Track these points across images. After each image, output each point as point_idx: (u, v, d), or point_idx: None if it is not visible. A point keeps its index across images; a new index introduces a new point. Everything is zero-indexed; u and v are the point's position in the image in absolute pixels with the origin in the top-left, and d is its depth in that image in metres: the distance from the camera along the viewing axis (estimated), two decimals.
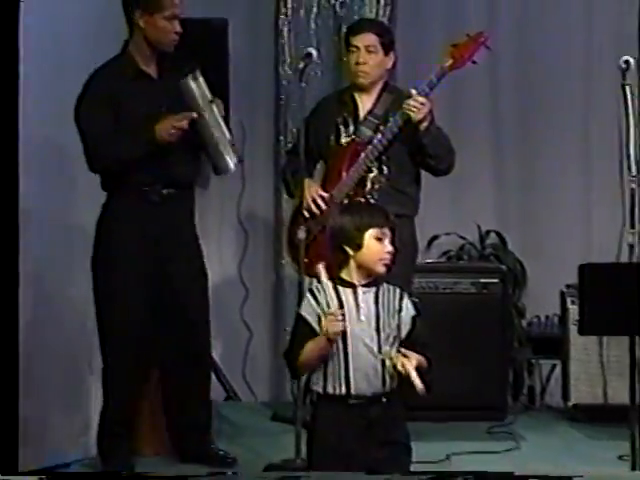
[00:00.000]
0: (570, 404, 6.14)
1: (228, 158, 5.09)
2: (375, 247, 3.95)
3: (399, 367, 3.86)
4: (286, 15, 6.75)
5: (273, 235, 6.70)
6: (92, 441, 5.69)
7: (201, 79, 5.05)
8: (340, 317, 3.88)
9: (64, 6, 5.60)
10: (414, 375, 3.85)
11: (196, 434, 5.27)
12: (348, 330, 3.92)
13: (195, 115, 4.97)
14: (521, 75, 6.75)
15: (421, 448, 5.18)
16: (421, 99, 5.06)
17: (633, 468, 4.74)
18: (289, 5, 6.75)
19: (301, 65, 5.36)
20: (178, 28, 5.07)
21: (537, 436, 5.85)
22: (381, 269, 3.97)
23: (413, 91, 5.09)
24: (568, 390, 6.14)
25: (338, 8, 6.73)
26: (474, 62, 5.13)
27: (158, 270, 5.09)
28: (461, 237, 6.66)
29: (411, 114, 5.06)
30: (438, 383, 5.40)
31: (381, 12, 6.64)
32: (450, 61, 5.11)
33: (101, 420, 5.23)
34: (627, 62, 4.78)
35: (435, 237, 6.59)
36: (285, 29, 6.76)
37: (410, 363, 3.87)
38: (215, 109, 5.06)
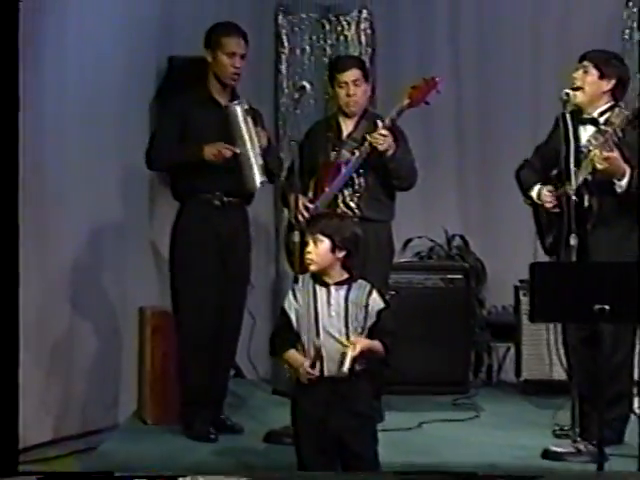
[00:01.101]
0: (522, 380, 6.17)
1: (256, 177, 5.11)
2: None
3: (344, 350, 3.93)
4: (284, 53, 6.77)
5: (273, 239, 6.72)
6: (120, 412, 5.73)
7: (247, 107, 5.11)
8: (312, 374, 3.95)
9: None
10: (347, 359, 3.91)
11: (214, 405, 5.25)
12: (320, 325, 3.98)
13: (238, 151, 5.03)
14: (481, 106, 6.76)
15: (397, 417, 5.28)
16: (383, 132, 5.11)
17: (574, 433, 4.81)
18: (286, 45, 6.77)
19: (296, 96, 5.40)
20: (237, 64, 5.12)
21: (494, 407, 5.87)
22: (310, 269, 4.04)
23: (380, 123, 5.16)
24: (520, 368, 6.17)
25: (328, 48, 6.75)
26: (427, 103, 5.19)
27: (221, 260, 5.13)
28: (431, 240, 6.65)
29: (377, 145, 5.13)
30: (411, 362, 5.50)
31: (363, 52, 6.66)
32: (407, 101, 5.17)
33: (185, 392, 5.18)
34: (567, 94, 4.87)
35: (409, 240, 6.58)
36: (283, 65, 6.77)
37: (352, 348, 3.92)
38: (254, 136, 5.10)
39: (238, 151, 5.05)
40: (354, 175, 5.26)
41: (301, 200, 5.24)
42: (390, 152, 5.15)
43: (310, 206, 5.24)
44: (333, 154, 5.31)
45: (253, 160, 5.10)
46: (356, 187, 5.26)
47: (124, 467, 4.67)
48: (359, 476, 4.03)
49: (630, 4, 6.63)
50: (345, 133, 5.34)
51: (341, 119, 5.37)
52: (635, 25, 6.58)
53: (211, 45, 5.14)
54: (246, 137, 5.09)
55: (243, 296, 5.33)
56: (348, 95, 5.27)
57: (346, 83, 5.27)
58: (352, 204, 5.25)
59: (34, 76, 5.15)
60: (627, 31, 6.61)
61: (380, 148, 5.12)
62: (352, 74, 5.27)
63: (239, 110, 5.09)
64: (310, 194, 5.31)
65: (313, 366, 3.98)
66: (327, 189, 5.27)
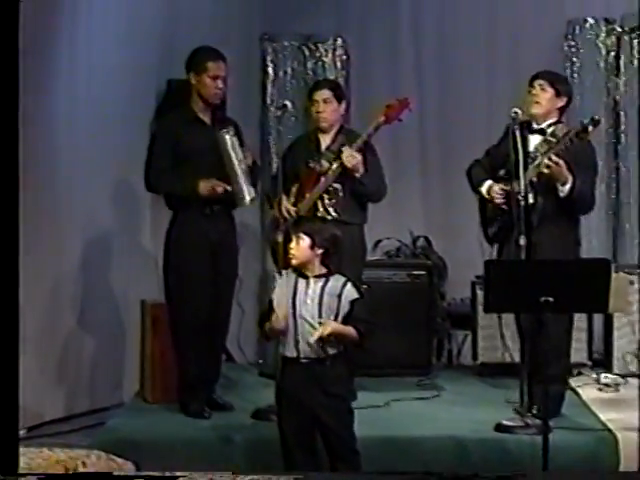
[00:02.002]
0: (478, 363, 6.20)
1: (245, 194, 5.12)
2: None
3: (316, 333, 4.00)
4: (269, 76, 6.79)
5: (260, 238, 6.73)
6: (125, 392, 5.76)
7: (234, 133, 5.11)
8: (282, 321, 4.01)
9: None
10: (315, 335, 3.98)
11: (208, 386, 5.28)
12: (297, 311, 4.05)
13: (230, 188, 5.04)
14: (441, 121, 6.79)
15: (368, 397, 5.31)
16: (348, 152, 5.18)
17: (523, 409, 4.89)
18: (271, 69, 6.80)
19: (279, 113, 5.45)
20: (220, 85, 5.12)
21: (453, 386, 5.87)
22: (291, 263, 4.11)
23: (354, 145, 5.21)
24: (476, 352, 6.19)
25: (307, 71, 6.79)
26: (400, 120, 5.26)
27: (212, 261, 5.15)
28: (398, 240, 6.65)
29: (347, 163, 5.20)
30: (380, 348, 5.54)
31: (339, 75, 6.71)
32: (383, 118, 5.23)
33: (182, 378, 5.21)
34: (516, 112, 4.90)
35: (379, 240, 6.58)
36: (268, 86, 6.78)
37: (318, 331, 3.99)
38: (241, 158, 5.11)
39: (229, 189, 5.07)
40: (332, 183, 5.32)
41: (285, 204, 5.29)
42: (359, 173, 5.21)
43: (292, 210, 5.30)
44: (313, 164, 5.36)
45: (242, 180, 5.11)
46: (334, 194, 5.33)
47: (129, 440, 4.73)
48: (347, 476, 4.07)
49: (569, 36, 6.74)
50: (324, 145, 5.39)
51: (319, 134, 5.42)
52: (572, 53, 6.70)
53: (196, 69, 5.13)
54: (235, 161, 5.11)
55: (232, 291, 5.36)
56: (318, 112, 5.33)
57: (317, 101, 5.32)
58: (330, 208, 5.31)
59: (48, 95, 5.24)
60: (567, 64, 6.72)
61: (349, 166, 5.19)
62: (322, 93, 5.32)
63: (227, 137, 5.10)
64: (292, 199, 5.36)
65: (289, 350, 4.06)
66: (308, 195, 5.33)
